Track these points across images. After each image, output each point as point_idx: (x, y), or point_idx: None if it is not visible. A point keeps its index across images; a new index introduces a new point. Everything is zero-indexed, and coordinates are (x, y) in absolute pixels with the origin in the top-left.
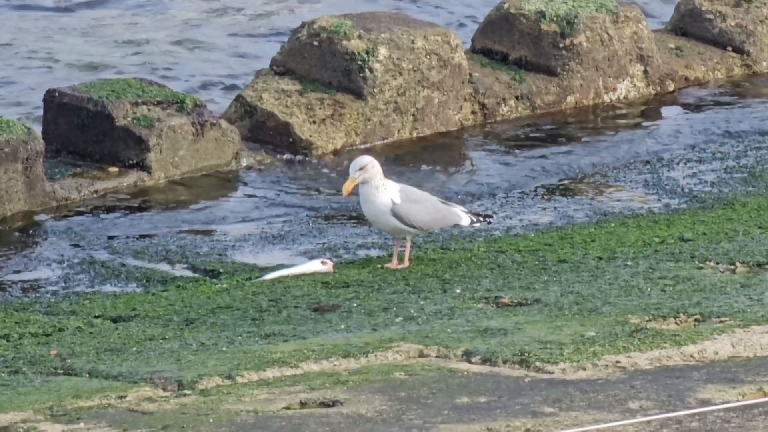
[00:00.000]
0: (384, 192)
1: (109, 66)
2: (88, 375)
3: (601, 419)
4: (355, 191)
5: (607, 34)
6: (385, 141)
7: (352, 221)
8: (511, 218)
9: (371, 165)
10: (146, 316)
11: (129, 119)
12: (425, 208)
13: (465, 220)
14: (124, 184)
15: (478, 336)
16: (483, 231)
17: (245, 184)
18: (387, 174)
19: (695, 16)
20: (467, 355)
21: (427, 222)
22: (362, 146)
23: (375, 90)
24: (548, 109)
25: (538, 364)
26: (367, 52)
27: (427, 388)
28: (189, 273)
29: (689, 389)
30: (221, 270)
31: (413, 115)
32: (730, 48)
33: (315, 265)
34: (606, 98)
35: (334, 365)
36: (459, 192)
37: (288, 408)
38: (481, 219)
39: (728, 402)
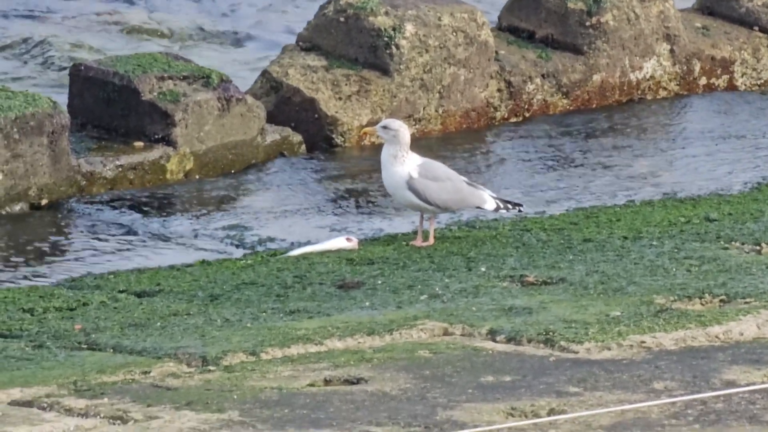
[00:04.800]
0: (402, 164)
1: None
2: (112, 350)
3: (625, 399)
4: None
5: (634, 12)
6: (412, 117)
7: (378, 198)
8: (535, 197)
9: (395, 131)
10: (171, 291)
11: (155, 94)
12: (444, 186)
13: (490, 204)
14: (150, 158)
15: (503, 315)
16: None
17: (270, 159)
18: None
19: None
20: (492, 334)
21: (445, 200)
22: None
23: (401, 67)
24: (574, 88)
25: (563, 343)
26: (394, 29)
27: (452, 367)
28: (214, 248)
29: (714, 370)
30: (246, 245)
31: (439, 92)
32: (756, 28)
33: (340, 242)
34: (632, 77)
35: (359, 342)
36: (482, 174)
37: (312, 385)
38: (510, 206)
39: (753, 383)
